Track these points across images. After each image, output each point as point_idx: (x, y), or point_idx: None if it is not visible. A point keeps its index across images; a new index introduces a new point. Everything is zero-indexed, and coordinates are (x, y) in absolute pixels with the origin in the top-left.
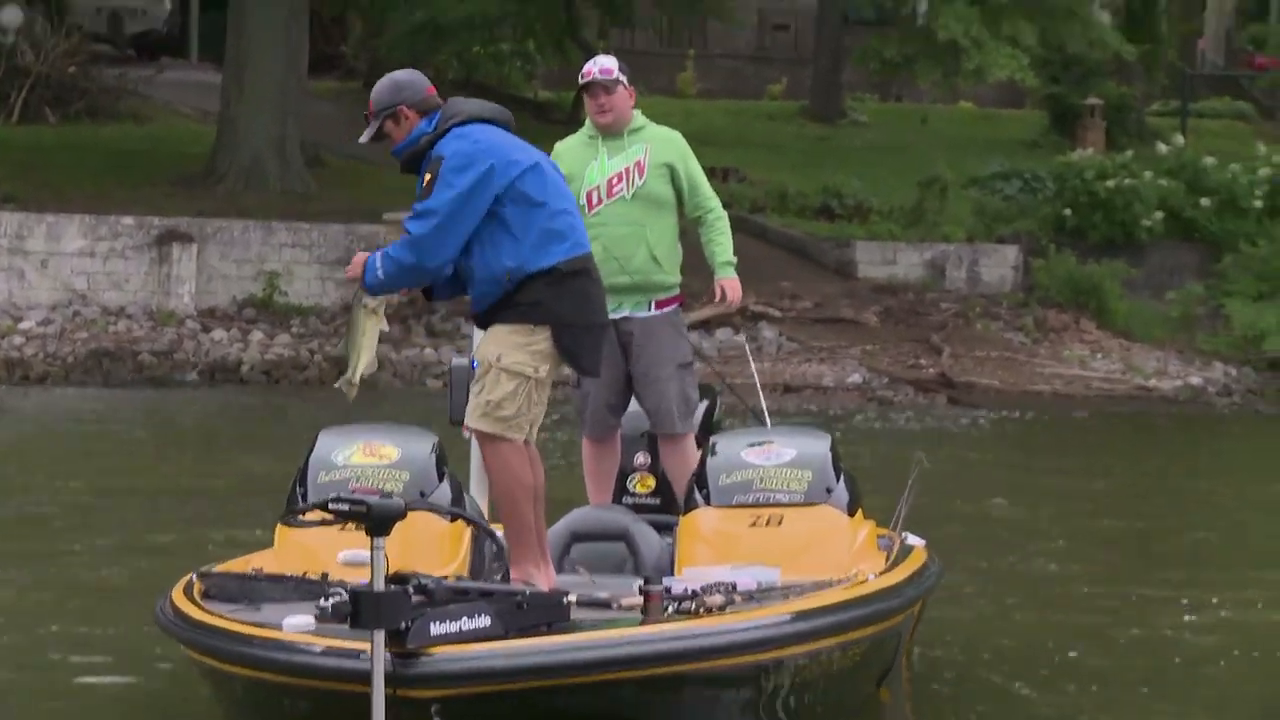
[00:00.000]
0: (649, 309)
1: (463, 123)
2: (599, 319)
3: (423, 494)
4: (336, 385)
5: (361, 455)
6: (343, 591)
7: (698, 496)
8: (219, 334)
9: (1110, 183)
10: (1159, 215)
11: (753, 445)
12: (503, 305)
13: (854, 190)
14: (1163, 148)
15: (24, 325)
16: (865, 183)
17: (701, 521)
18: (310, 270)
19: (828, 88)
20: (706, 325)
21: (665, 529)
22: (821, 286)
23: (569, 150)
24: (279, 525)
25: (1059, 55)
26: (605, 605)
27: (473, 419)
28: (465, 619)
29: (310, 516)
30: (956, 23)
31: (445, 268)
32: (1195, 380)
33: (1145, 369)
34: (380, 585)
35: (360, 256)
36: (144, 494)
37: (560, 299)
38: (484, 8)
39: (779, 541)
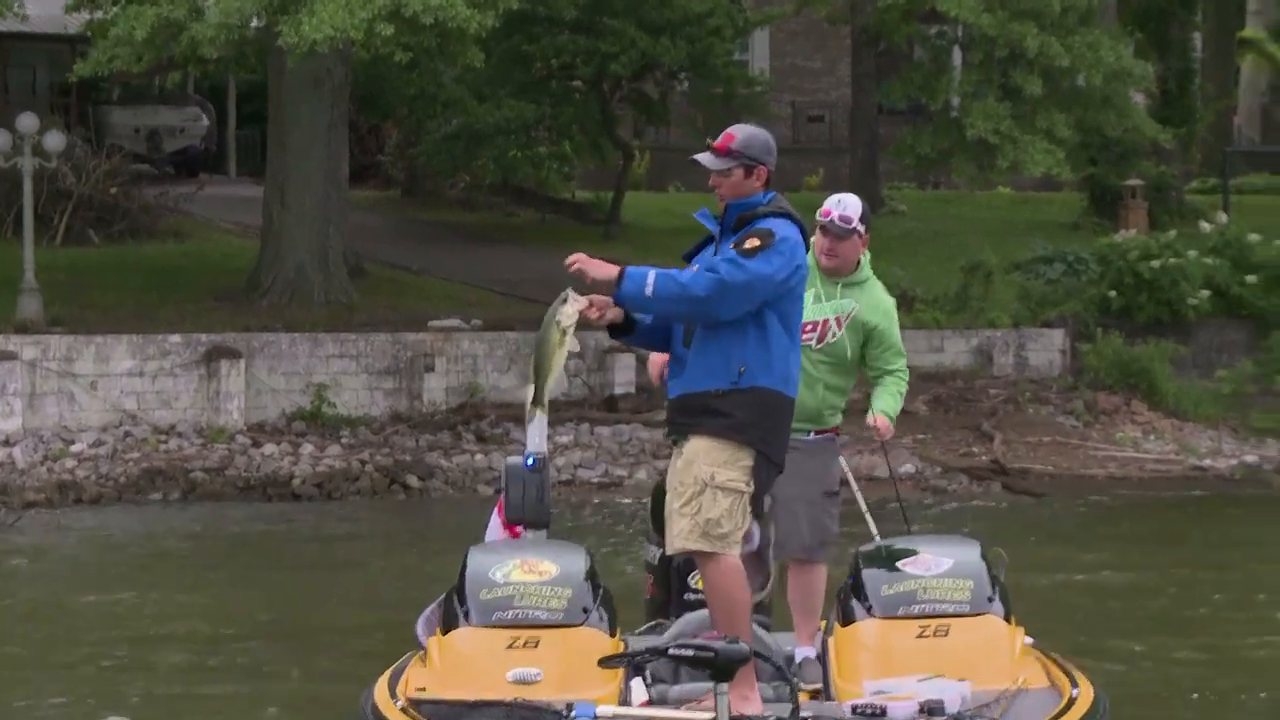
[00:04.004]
0: (809, 435)
1: (790, 217)
2: (782, 467)
3: (585, 610)
4: (528, 410)
5: (521, 572)
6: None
7: (857, 608)
8: (270, 448)
9: (1155, 263)
10: (1205, 293)
11: (907, 556)
12: (714, 410)
13: (897, 279)
14: (1205, 226)
15: (76, 448)
16: (908, 271)
17: (866, 633)
18: (358, 380)
19: (865, 178)
20: None
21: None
22: None
23: None
24: (435, 639)
25: (1097, 137)
26: None
27: (691, 540)
28: None
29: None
30: (985, 120)
31: (716, 319)
32: (1250, 459)
33: (1199, 449)
34: None
35: (603, 265)
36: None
37: (772, 431)
38: (519, 112)
39: (948, 652)
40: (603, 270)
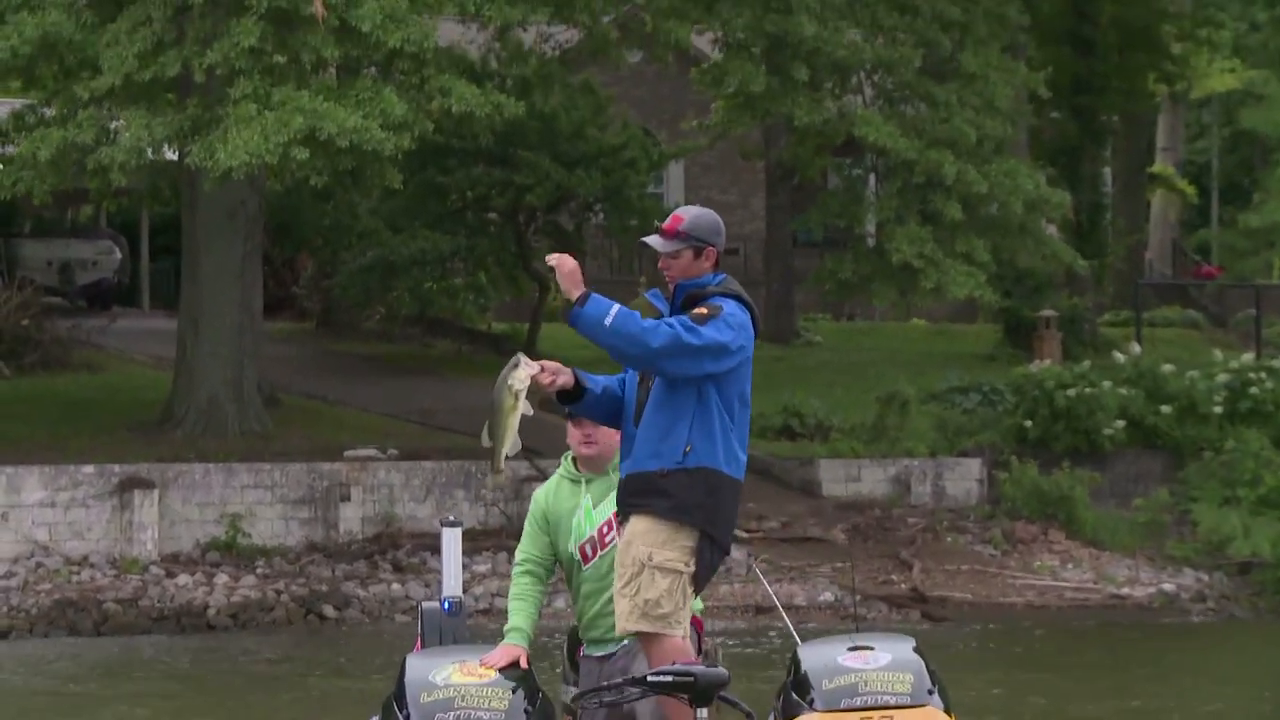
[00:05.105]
0: None
1: (740, 299)
2: (728, 551)
3: (526, 712)
4: (487, 481)
5: (460, 675)
6: None
7: (799, 703)
8: (183, 579)
9: (1071, 392)
10: (1120, 424)
11: (846, 650)
12: (659, 490)
13: (814, 409)
14: (1119, 357)
15: None
16: (824, 401)
17: None
18: (273, 510)
19: (780, 309)
20: None
21: None
22: (787, 506)
23: (549, 498)
24: None
25: (1011, 270)
26: None
27: (632, 621)
28: None
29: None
30: (909, 244)
31: (660, 371)
32: (1168, 587)
33: (1117, 578)
34: None
35: (576, 279)
36: None
37: (716, 511)
38: (434, 243)
39: None
40: (571, 281)
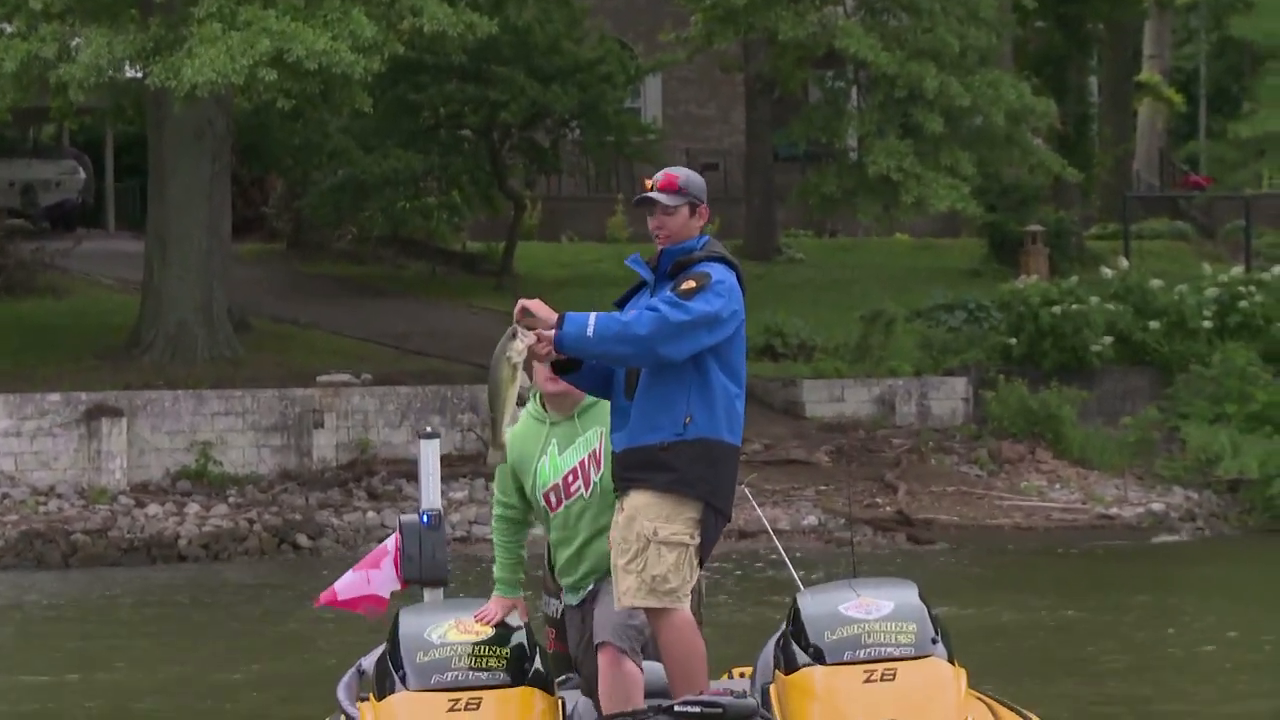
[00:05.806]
0: None
1: (726, 261)
2: (730, 518)
3: (524, 668)
4: (489, 458)
5: (457, 632)
6: None
7: (800, 655)
8: (153, 509)
9: (1057, 308)
10: (1108, 340)
11: (846, 600)
12: (659, 464)
13: (796, 329)
14: (1107, 272)
15: None
16: (806, 320)
17: (814, 680)
18: (244, 438)
19: (761, 225)
20: None
21: None
22: (770, 428)
23: (514, 438)
24: (370, 705)
25: (996, 183)
26: None
27: (639, 597)
28: None
29: None
30: (887, 157)
31: (660, 359)
32: (1156, 506)
33: (1105, 497)
34: None
35: (547, 309)
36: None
37: (720, 481)
38: (407, 162)
39: (896, 696)
40: (544, 313)
